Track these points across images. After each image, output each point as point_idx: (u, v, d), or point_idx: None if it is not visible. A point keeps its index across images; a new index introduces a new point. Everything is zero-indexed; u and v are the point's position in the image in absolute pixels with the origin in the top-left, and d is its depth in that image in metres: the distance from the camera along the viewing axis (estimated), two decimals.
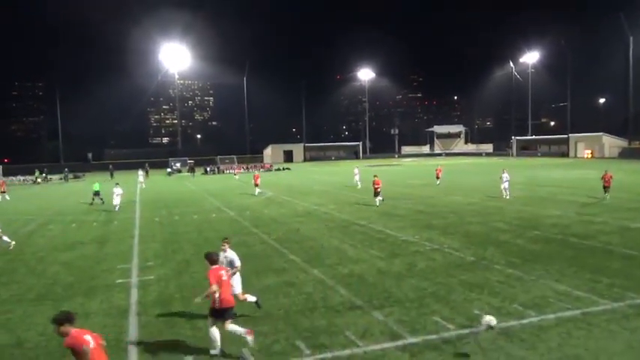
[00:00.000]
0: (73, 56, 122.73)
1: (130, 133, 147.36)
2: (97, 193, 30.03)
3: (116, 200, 27.23)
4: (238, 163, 79.05)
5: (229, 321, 8.00)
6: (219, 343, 7.97)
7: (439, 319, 9.17)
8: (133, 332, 9.09)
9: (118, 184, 28.13)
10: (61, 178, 61.64)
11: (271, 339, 8.51)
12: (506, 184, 26.97)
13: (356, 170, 39.28)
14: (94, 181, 32.62)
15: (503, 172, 27.23)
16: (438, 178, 36.73)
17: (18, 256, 16.22)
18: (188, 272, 13.29)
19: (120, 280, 12.65)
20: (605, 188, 24.87)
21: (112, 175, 60.26)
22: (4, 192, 35.94)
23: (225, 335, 7.99)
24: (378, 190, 25.47)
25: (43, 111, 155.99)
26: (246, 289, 11.42)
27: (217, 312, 7.94)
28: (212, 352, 7.95)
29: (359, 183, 36.68)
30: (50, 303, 10.98)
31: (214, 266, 8.13)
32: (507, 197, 26.41)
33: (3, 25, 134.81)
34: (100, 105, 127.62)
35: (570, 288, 10.64)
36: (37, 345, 8.65)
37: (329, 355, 7.84)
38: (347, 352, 7.92)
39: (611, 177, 25.04)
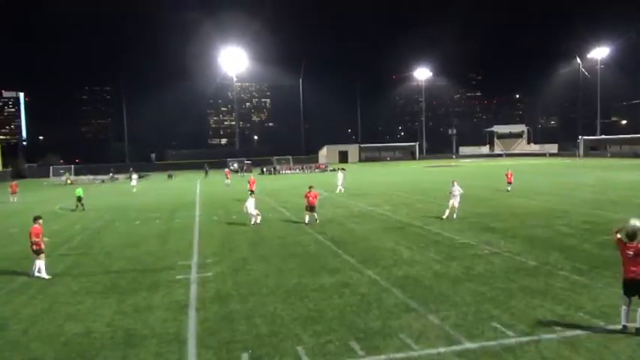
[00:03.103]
0: (138, 61, 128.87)
1: (191, 134, 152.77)
2: (79, 199, 29.75)
3: (251, 210, 21.35)
4: (294, 163, 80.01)
5: None
6: None
7: (498, 325, 8.84)
8: (192, 327, 9.38)
9: (252, 192, 23.30)
10: (126, 178, 64.83)
11: (325, 339, 8.52)
12: (456, 200, 20.98)
13: (340, 174, 36.60)
14: (78, 187, 33.64)
15: (453, 185, 21.41)
16: (509, 183, 31.85)
17: (88, 250, 17.20)
18: (245, 270, 13.57)
19: (180, 277, 13.09)
20: None
21: (169, 176, 62.79)
22: (14, 194, 36.33)
23: None
24: (314, 204, 21.04)
25: (110, 114, 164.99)
26: (300, 288, 11.55)
27: None
28: None
29: (342, 188, 34.63)
30: (116, 296, 11.53)
31: None
32: (444, 217, 20.65)
33: (72, 32, 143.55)
34: (163, 107, 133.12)
35: None
36: (104, 335, 9.10)
37: (383, 357, 7.75)
38: (401, 355, 7.80)
39: None
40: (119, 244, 18.28)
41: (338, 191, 34.27)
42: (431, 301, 10.32)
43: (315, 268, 13.50)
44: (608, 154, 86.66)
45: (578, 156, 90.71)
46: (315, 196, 21.33)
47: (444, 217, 20.73)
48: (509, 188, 31.49)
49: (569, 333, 8.37)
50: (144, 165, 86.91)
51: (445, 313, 9.54)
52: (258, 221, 21.06)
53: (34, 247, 13.48)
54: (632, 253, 8.38)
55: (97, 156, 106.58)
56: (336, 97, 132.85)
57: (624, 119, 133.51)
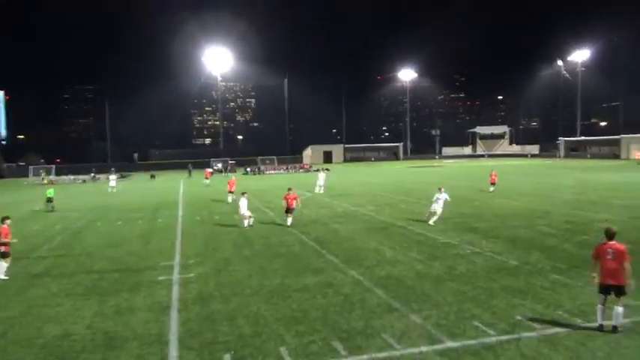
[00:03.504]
0: (121, 60, 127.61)
1: (175, 134, 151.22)
2: (49, 200, 29.11)
3: (243, 211, 20.61)
4: (279, 163, 79.83)
5: None
6: None
7: (479, 324, 8.94)
8: (174, 328, 9.30)
9: (244, 193, 21.43)
10: (106, 178, 64.04)
11: (308, 339, 8.53)
12: (437, 206, 20.01)
13: (321, 174, 36.78)
14: (50, 188, 32.41)
15: (441, 192, 20.40)
16: (493, 184, 31.85)
17: (68, 251, 16.94)
18: (227, 270, 13.50)
19: (162, 277, 12.97)
20: None
21: (152, 176, 62.05)
22: None
23: None
24: (292, 206, 20.63)
25: (92, 113, 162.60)
26: (284, 288, 11.53)
27: None
28: None
29: (322, 188, 34.83)
30: (97, 297, 11.38)
31: None
32: (430, 222, 19.80)
33: (53, 30, 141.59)
34: (146, 107, 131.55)
35: None
36: (84, 337, 8.97)
37: (365, 357, 7.78)
38: (384, 354, 7.84)
39: None
40: (101, 244, 18.05)
41: (317, 191, 34.41)
42: (413, 300, 10.39)
43: (298, 268, 13.49)
44: (588, 155, 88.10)
45: (559, 157, 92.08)
46: (294, 198, 20.80)
47: (426, 218, 20.34)
48: (491, 189, 31.69)
49: (549, 331, 8.50)
50: (126, 165, 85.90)
51: (427, 313, 9.61)
52: (251, 223, 20.53)
53: (2, 248, 13.25)
54: (611, 250, 8.50)
55: (79, 156, 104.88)
56: (321, 97, 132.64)
57: (604, 121, 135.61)
